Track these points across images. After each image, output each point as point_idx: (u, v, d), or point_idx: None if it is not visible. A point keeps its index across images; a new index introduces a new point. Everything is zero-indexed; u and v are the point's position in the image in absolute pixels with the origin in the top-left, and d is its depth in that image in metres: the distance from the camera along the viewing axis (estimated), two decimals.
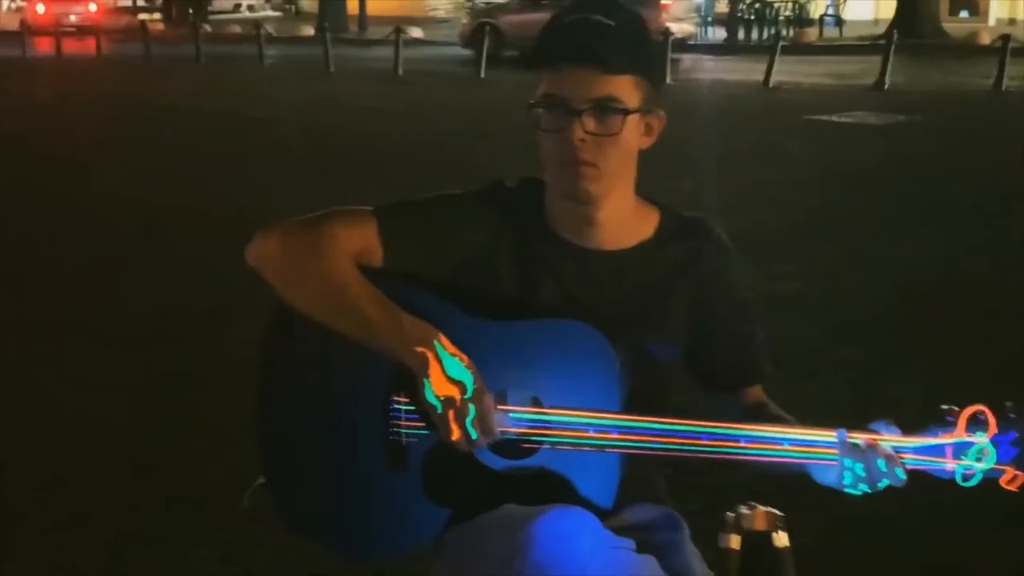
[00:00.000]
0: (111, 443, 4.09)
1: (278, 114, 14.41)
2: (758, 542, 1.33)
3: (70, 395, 4.60)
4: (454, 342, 1.73)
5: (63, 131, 13.20)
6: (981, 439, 1.66)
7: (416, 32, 30.05)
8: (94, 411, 4.41)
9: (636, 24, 1.80)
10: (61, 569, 3.23)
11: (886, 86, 16.29)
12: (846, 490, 1.68)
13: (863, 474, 1.65)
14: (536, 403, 1.74)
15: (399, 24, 22.39)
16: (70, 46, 26.99)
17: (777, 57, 17.53)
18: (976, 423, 1.66)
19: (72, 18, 33.89)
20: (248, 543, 3.20)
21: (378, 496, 1.80)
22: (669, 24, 19.46)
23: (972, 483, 1.67)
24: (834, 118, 13.37)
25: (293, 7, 50.35)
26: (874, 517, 3.47)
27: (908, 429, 1.69)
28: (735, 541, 1.32)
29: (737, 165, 10.26)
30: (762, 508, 1.34)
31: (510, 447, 1.75)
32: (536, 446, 1.74)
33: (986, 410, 1.66)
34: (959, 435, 1.66)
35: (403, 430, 1.78)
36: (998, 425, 1.65)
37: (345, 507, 1.82)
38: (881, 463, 1.65)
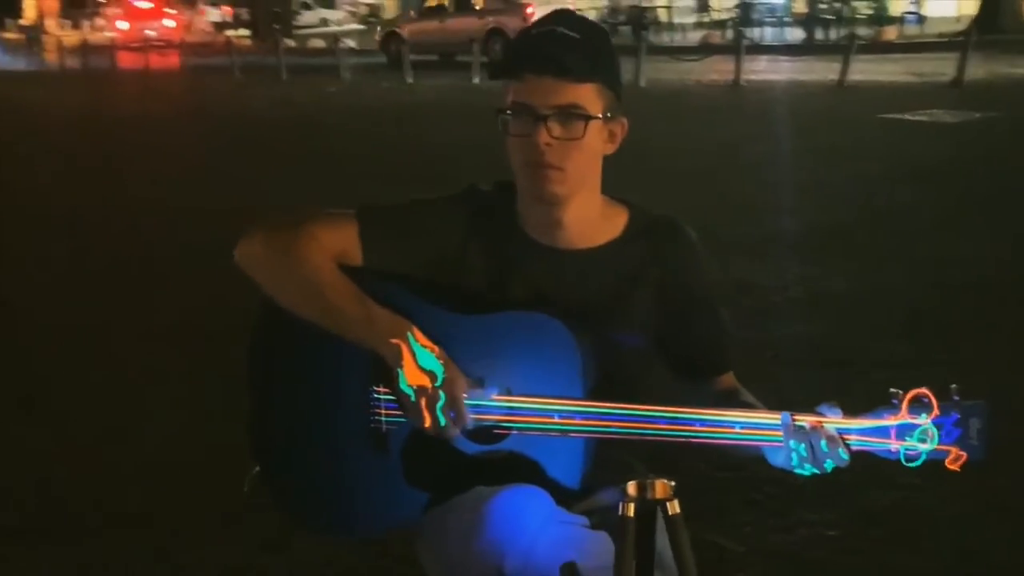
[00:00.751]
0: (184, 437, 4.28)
1: (354, 123, 14.72)
2: (651, 509, 1.43)
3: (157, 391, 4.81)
4: (428, 335, 1.84)
5: (147, 144, 13.61)
6: (924, 420, 1.72)
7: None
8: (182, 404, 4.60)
9: (600, 37, 1.92)
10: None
11: (964, 83, 16.06)
12: (795, 471, 1.76)
13: (806, 454, 1.73)
14: (506, 391, 1.85)
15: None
16: (156, 60, 27.75)
17: (853, 56, 17.39)
18: (919, 405, 1.72)
19: (151, 33, 34.91)
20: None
21: (361, 480, 1.92)
22: None
23: (916, 464, 1.73)
24: (908, 116, 13.24)
25: (378, 20, 50.97)
26: (899, 507, 3.53)
27: (858, 412, 1.76)
28: (631, 509, 1.42)
29: (803, 164, 10.25)
30: (657, 479, 1.44)
31: (482, 433, 1.86)
32: (506, 432, 1.85)
33: (928, 392, 1.72)
34: (902, 417, 1.72)
35: (383, 418, 1.90)
36: (940, 407, 1.72)
37: (330, 489, 1.95)
38: (823, 444, 1.72)
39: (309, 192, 9.00)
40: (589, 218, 1.97)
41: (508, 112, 1.87)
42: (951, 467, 1.73)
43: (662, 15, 32.86)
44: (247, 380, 1.98)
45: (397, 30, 26.19)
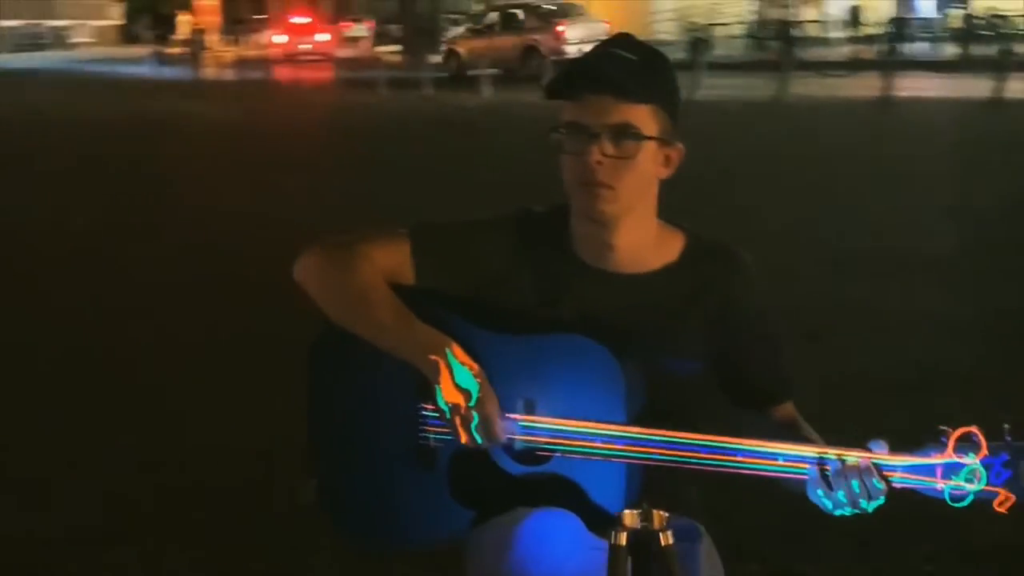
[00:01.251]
0: None
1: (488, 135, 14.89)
2: (645, 540, 1.42)
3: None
4: (471, 353, 1.87)
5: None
6: (971, 460, 1.67)
7: None
8: None
9: (658, 61, 1.93)
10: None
11: None
12: (832, 510, 1.75)
13: (842, 497, 1.72)
14: (545, 413, 1.86)
15: None
16: (308, 74, 28.56)
17: (1010, 73, 16.79)
18: (968, 444, 1.68)
19: (306, 47, 35.96)
20: None
21: (409, 494, 1.95)
22: None
23: (963, 504, 1.69)
24: None
25: None
26: (1003, 545, 3.40)
27: (903, 448, 1.73)
28: (623, 538, 1.42)
29: (943, 184, 9.96)
30: (651, 509, 1.44)
31: (527, 454, 1.88)
32: (549, 454, 1.87)
33: (978, 431, 1.67)
34: (948, 456, 1.68)
35: (430, 435, 1.93)
36: (988, 447, 1.67)
37: (379, 502, 1.99)
38: (855, 484, 1.70)
39: (443, 208, 9.08)
40: (642, 242, 1.97)
41: (562, 130, 1.89)
42: (999, 510, 1.68)
43: (812, 30, 32.27)
44: (307, 393, 2.04)
45: (454, 47, 28.94)
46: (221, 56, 34.79)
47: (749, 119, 16.82)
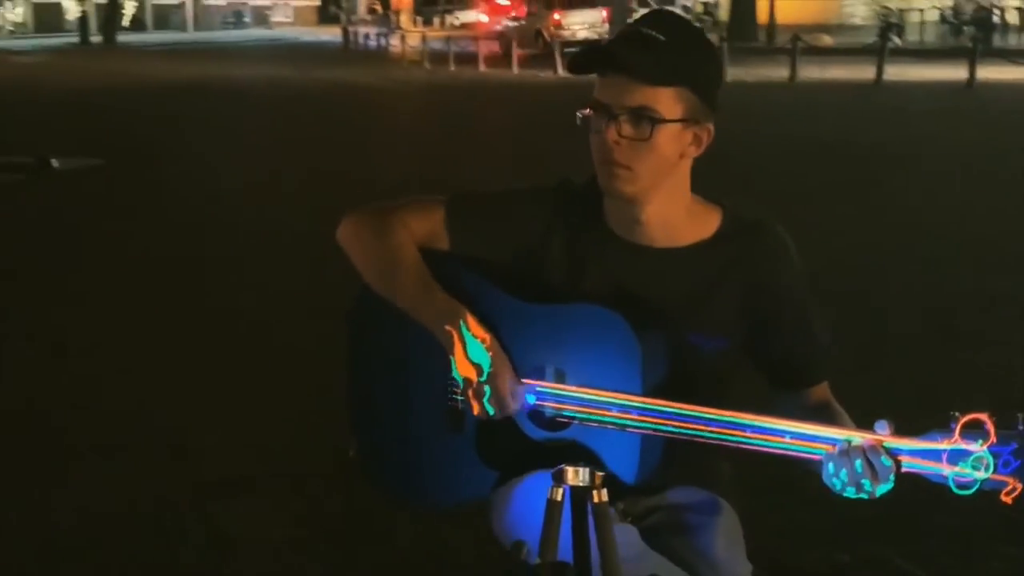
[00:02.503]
0: None
1: None
2: (581, 496, 1.45)
3: None
4: (493, 321, 1.91)
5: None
6: (979, 448, 1.63)
7: (826, 39, 29.49)
8: None
9: (690, 41, 1.88)
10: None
11: None
12: (840, 492, 1.72)
13: (845, 476, 1.69)
14: (564, 380, 1.90)
15: (808, 31, 22.55)
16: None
17: None
18: (977, 431, 1.63)
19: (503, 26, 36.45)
20: None
21: (439, 454, 2.02)
22: None
23: (969, 492, 1.64)
24: None
25: (711, 18, 50.74)
26: None
27: (912, 432, 1.69)
28: (559, 494, 1.45)
29: None
30: (586, 468, 1.47)
31: (548, 419, 1.92)
32: (568, 421, 1.90)
33: (986, 418, 1.62)
34: (955, 442, 1.64)
35: (459, 397, 1.98)
36: (997, 435, 1.62)
37: (411, 461, 2.06)
38: (858, 464, 1.67)
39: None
40: (673, 217, 1.96)
41: (588, 109, 1.90)
42: (1005, 500, 1.63)
43: (1012, 17, 30.78)
44: (346, 359, 2.12)
45: (540, 28, 30.69)
46: (410, 34, 35.47)
47: (936, 104, 16.33)
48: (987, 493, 1.64)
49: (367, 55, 33.31)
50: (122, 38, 44.45)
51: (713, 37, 25.95)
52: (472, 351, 1.88)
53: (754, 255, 1.96)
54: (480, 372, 1.87)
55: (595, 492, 1.45)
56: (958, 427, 1.64)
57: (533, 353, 1.92)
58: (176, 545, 3.54)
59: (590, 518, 1.42)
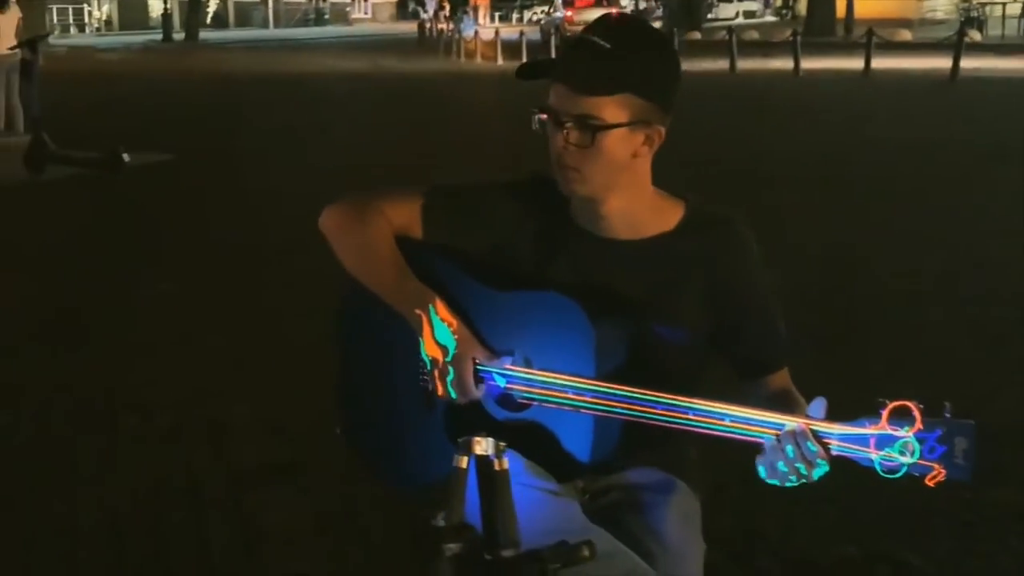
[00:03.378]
0: None
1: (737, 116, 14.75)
2: (484, 463, 1.54)
3: None
4: (461, 307, 2.00)
5: None
6: (905, 433, 1.68)
7: (904, 34, 29.07)
8: None
9: (637, 46, 1.93)
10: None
11: None
12: (774, 480, 1.79)
13: (782, 465, 1.76)
14: (524, 363, 1.98)
15: (888, 26, 22.43)
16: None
17: None
18: (904, 418, 1.68)
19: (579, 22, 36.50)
20: None
21: (411, 434, 2.12)
22: None
23: (896, 476, 1.69)
24: None
25: (790, 12, 50.26)
26: None
27: (843, 418, 1.75)
28: (463, 462, 1.54)
29: None
30: (489, 438, 1.56)
31: (510, 400, 2.01)
32: (527, 402, 1.99)
33: (912, 405, 1.68)
34: (883, 427, 1.69)
35: (428, 379, 2.08)
36: (923, 422, 1.67)
37: (387, 441, 2.16)
38: (790, 449, 1.74)
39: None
40: (634, 211, 2.03)
41: (541, 114, 1.97)
42: (930, 484, 1.68)
43: None
44: (333, 342, 2.23)
45: None
46: (484, 29, 35.68)
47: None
48: (915, 478, 1.69)
49: (442, 49, 33.56)
50: (204, 35, 45.30)
51: (787, 31, 25.78)
52: (439, 334, 1.97)
53: (717, 248, 2.03)
54: (446, 353, 1.96)
55: (497, 461, 1.54)
56: (886, 413, 1.69)
57: (498, 338, 2.01)
58: (206, 531, 3.67)
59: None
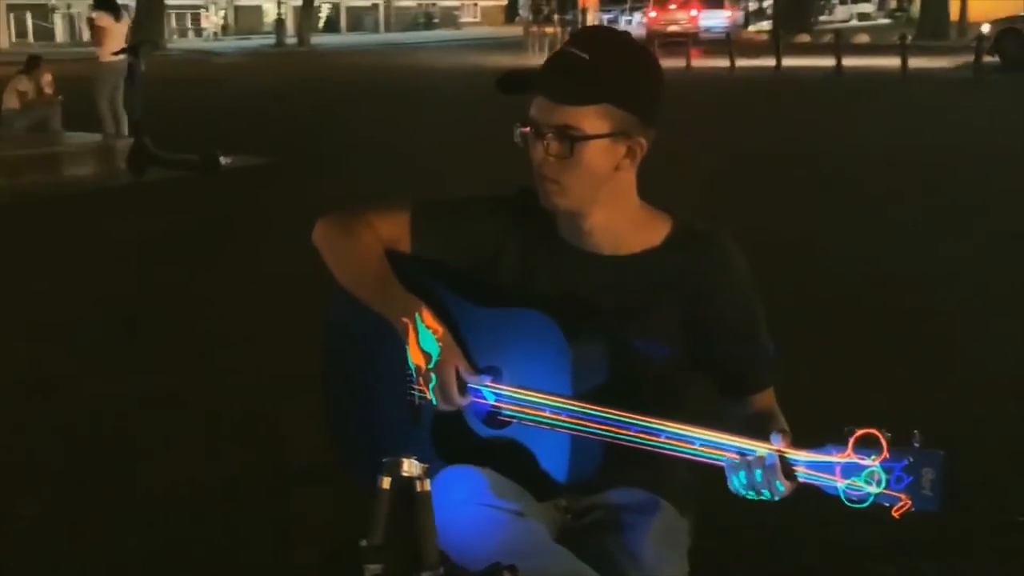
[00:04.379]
0: None
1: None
2: (406, 485, 1.54)
3: None
4: (444, 320, 2.00)
5: None
6: (871, 462, 1.63)
7: None
8: None
9: (617, 58, 1.93)
10: None
11: None
12: (742, 494, 1.77)
13: (744, 480, 1.74)
14: (502, 381, 1.98)
15: None
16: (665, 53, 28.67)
17: None
18: (869, 446, 1.64)
19: (673, 28, 36.19)
20: None
21: (396, 445, 2.12)
22: None
23: (863, 506, 1.65)
24: None
25: (904, 14, 49.18)
26: None
27: (812, 445, 1.71)
28: (386, 482, 1.54)
29: None
30: (411, 459, 1.56)
31: (493, 418, 2.00)
32: (508, 420, 1.98)
33: (878, 434, 1.63)
34: (848, 456, 1.65)
35: (417, 392, 2.09)
36: (889, 451, 1.62)
37: (373, 449, 2.17)
38: (758, 474, 1.72)
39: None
40: (617, 226, 2.02)
41: (523, 127, 1.98)
42: (895, 515, 1.64)
43: None
44: (321, 354, 2.26)
45: None
46: None
47: None
48: (882, 508, 1.65)
49: (547, 50, 33.62)
50: (316, 39, 46.06)
51: (896, 35, 25.23)
52: (424, 341, 1.98)
53: (700, 265, 2.01)
54: (429, 360, 1.97)
55: (419, 482, 1.55)
56: (852, 441, 1.65)
57: (478, 354, 2.02)
58: (247, 528, 3.74)
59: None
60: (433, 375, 1.97)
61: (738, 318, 2.03)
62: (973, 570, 3.33)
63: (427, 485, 1.55)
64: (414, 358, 1.99)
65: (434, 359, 1.97)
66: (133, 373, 5.25)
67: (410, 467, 1.56)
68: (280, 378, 5.11)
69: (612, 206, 2.01)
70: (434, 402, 1.99)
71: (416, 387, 2.09)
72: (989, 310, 6.12)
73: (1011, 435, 4.28)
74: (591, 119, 1.91)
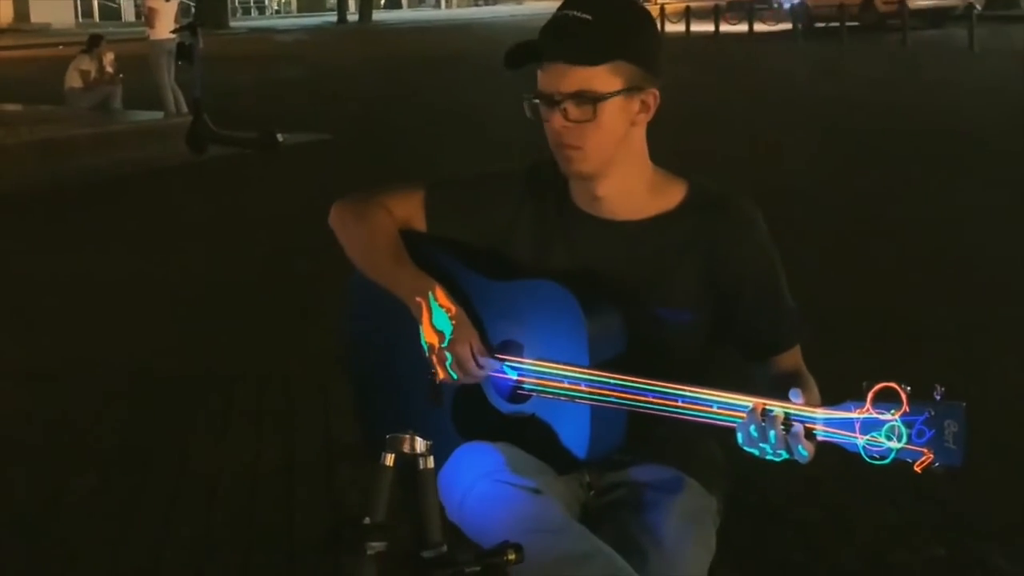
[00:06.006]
0: None
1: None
2: (410, 462, 1.52)
3: None
4: (461, 297, 1.99)
5: None
6: (891, 416, 1.59)
7: None
8: None
9: (618, 14, 1.91)
10: None
11: None
12: (759, 456, 1.72)
13: (755, 435, 1.70)
14: (520, 354, 1.96)
15: None
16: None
17: None
18: (889, 400, 1.59)
19: None
20: None
21: (419, 423, 2.09)
22: None
23: (884, 462, 1.60)
24: None
25: None
26: None
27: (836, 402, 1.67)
28: (390, 459, 1.53)
29: None
30: (415, 436, 1.52)
31: (514, 393, 1.98)
32: (528, 394, 1.96)
33: (898, 387, 1.58)
34: (867, 411, 1.60)
35: (433, 371, 2.03)
36: (909, 404, 1.57)
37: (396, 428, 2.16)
38: (773, 435, 1.68)
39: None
40: (633, 190, 2.00)
41: (534, 99, 1.95)
42: (917, 469, 1.59)
43: None
44: (344, 336, 2.28)
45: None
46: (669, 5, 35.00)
47: None
48: (903, 464, 1.60)
49: None
50: (377, 16, 46.23)
51: (959, 2, 24.49)
52: (437, 320, 1.97)
53: (717, 228, 1.98)
54: (443, 338, 1.96)
55: (422, 459, 1.53)
56: (870, 396, 1.61)
57: (496, 328, 2.01)
58: (295, 503, 3.76)
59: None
60: (448, 353, 1.95)
61: (758, 278, 1.99)
62: None
63: (431, 462, 1.53)
64: (427, 337, 1.98)
65: (447, 337, 1.95)
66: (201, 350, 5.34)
67: (413, 444, 1.54)
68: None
69: (627, 167, 1.98)
70: (454, 377, 1.97)
71: (431, 367, 2.06)
72: None
73: None
74: (604, 78, 1.89)
